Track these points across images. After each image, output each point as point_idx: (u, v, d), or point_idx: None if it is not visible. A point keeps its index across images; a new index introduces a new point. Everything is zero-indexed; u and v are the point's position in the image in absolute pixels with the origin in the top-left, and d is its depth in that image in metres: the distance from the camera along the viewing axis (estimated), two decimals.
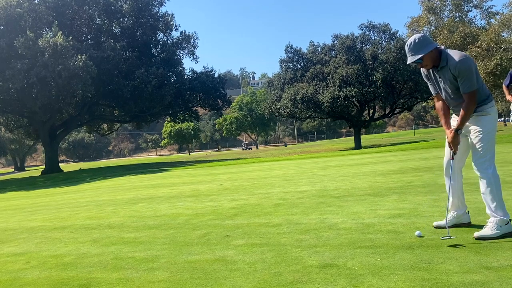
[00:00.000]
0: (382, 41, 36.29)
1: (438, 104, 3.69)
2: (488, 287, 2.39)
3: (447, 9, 43.87)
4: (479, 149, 3.42)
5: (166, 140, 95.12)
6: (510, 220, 3.35)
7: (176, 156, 71.94)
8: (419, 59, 3.39)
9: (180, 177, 14.49)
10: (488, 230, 3.30)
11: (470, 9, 43.76)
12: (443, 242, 3.27)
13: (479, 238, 3.30)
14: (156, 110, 33.85)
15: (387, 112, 38.98)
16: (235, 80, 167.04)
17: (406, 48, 3.47)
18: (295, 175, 10.36)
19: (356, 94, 32.40)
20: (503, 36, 37.14)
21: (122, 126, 66.63)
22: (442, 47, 3.48)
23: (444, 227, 3.60)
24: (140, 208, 6.97)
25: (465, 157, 3.71)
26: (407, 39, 40.82)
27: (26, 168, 75.54)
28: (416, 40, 3.41)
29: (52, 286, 3.21)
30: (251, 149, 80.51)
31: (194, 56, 36.78)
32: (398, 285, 2.53)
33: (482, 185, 3.42)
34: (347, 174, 9.24)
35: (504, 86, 6.90)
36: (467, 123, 3.50)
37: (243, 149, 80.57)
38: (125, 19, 33.28)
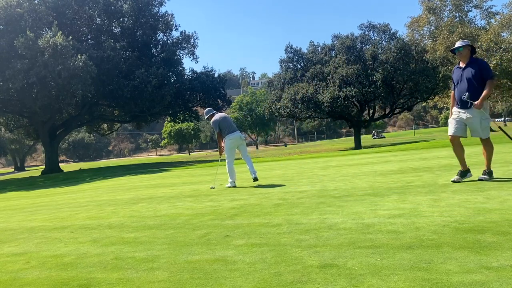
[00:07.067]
0: (382, 41, 36.26)
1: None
2: (488, 287, 2.39)
3: (447, 9, 43.90)
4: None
5: (166, 140, 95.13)
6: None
7: (176, 156, 71.96)
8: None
9: (180, 177, 14.49)
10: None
11: (470, 9, 43.80)
12: (443, 242, 3.26)
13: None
14: (156, 110, 33.82)
15: (387, 112, 38.94)
16: (235, 80, 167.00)
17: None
18: (295, 175, 10.36)
19: (356, 94, 32.36)
20: (503, 36, 37.13)
21: (122, 126, 66.66)
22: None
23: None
24: (140, 208, 6.97)
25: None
26: (407, 39, 40.89)
27: (26, 168, 75.57)
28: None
29: (52, 286, 3.21)
30: (384, 137, 72.12)
31: (194, 56, 36.78)
32: (398, 285, 2.53)
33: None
34: (347, 174, 9.24)
35: None
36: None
37: (373, 138, 72.05)
38: (125, 19, 33.24)
